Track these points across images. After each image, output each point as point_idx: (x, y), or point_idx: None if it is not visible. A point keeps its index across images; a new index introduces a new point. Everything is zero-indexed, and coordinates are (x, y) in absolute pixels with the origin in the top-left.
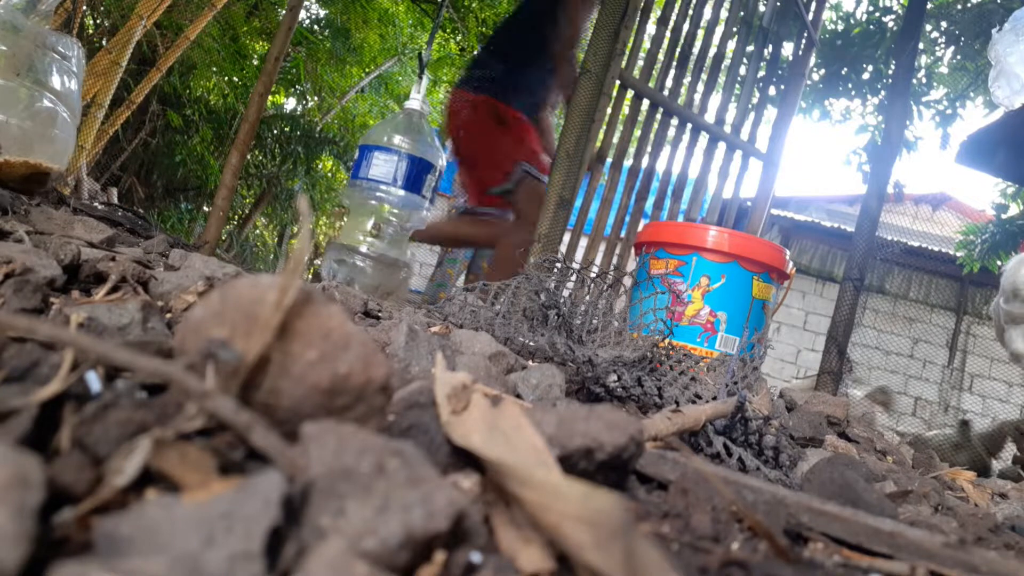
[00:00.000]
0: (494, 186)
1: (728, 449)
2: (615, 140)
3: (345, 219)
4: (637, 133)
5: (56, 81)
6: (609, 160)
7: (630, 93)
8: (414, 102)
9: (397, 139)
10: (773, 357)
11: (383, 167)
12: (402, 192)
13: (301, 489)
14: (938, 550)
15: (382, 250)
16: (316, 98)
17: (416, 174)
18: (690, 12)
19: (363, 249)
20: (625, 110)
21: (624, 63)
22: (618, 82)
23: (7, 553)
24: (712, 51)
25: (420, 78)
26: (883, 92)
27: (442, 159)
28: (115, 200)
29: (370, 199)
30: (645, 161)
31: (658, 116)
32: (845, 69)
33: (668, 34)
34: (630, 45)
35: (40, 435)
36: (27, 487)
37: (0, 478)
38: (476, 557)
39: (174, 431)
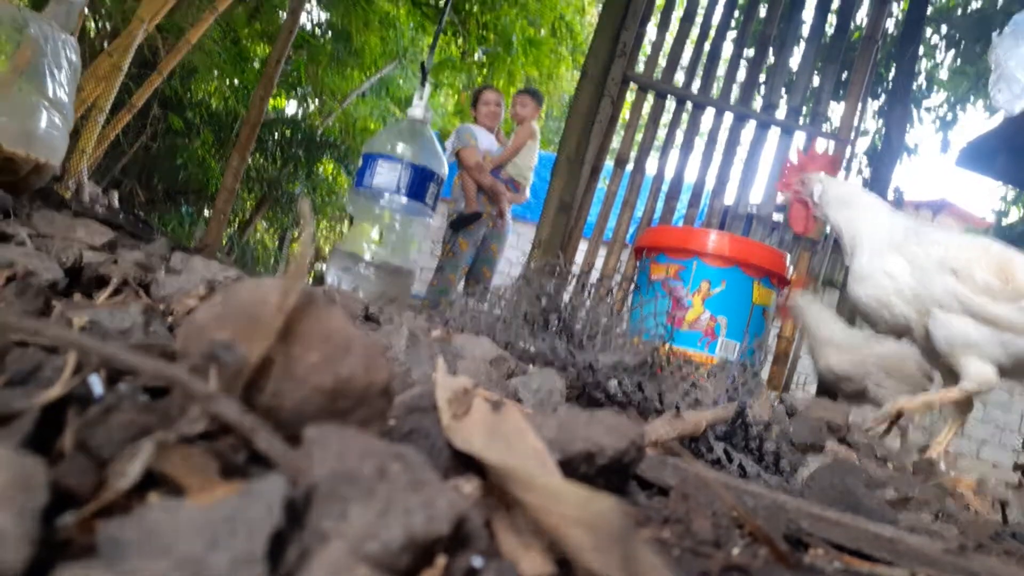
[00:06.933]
0: None
1: (729, 455)
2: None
3: (348, 225)
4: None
5: (38, 69)
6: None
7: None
8: (417, 109)
9: (400, 147)
10: None
11: (387, 175)
12: (405, 200)
13: (304, 492)
14: (939, 556)
15: (386, 258)
16: (317, 101)
17: (419, 182)
18: None
19: (367, 257)
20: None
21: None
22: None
23: (11, 555)
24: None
25: (423, 86)
26: (883, 96)
27: (444, 166)
28: (116, 204)
29: (374, 207)
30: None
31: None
32: (845, 73)
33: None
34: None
35: (43, 438)
36: (30, 490)
37: (3, 481)
38: (477, 561)
39: (177, 434)
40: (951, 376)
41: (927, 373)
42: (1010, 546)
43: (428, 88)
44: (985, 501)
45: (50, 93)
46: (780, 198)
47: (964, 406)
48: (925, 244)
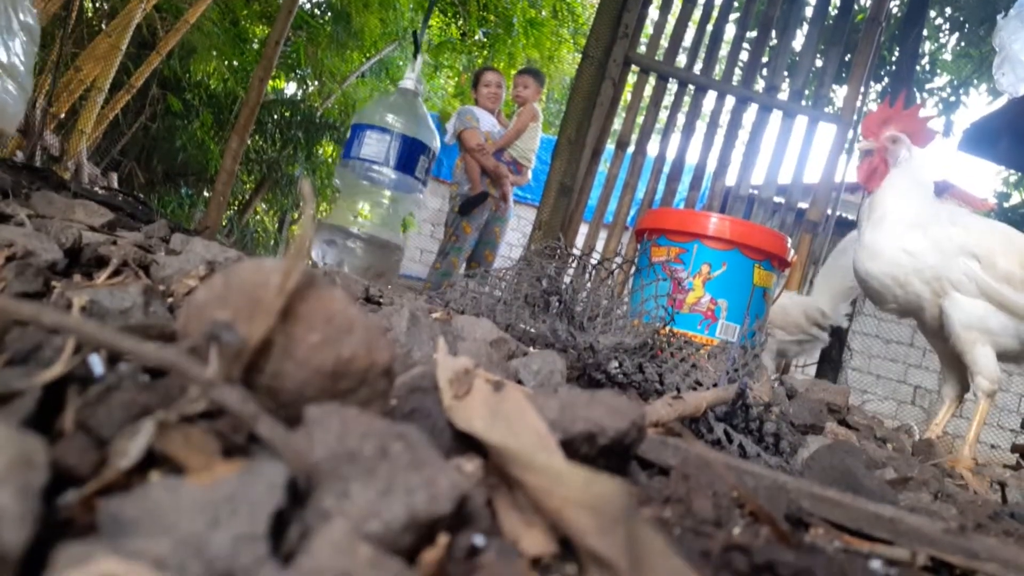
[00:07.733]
0: None
1: (729, 435)
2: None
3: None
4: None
5: None
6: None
7: None
8: (408, 81)
9: (390, 118)
10: None
11: (375, 146)
12: (394, 173)
13: (305, 472)
14: (938, 536)
15: (373, 231)
16: (316, 83)
17: (409, 154)
18: None
19: (353, 230)
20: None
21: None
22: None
23: (12, 534)
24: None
25: (415, 57)
26: (886, 79)
27: (436, 140)
28: (115, 185)
29: (361, 179)
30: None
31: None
32: (848, 55)
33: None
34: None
35: (44, 417)
36: (31, 468)
37: (4, 459)
38: (479, 540)
39: (178, 413)
40: (952, 371)
41: (811, 319)
42: (1009, 526)
43: (420, 60)
44: (983, 482)
45: (1, 59)
46: (862, 143)
47: (961, 388)
48: (947, 226)
